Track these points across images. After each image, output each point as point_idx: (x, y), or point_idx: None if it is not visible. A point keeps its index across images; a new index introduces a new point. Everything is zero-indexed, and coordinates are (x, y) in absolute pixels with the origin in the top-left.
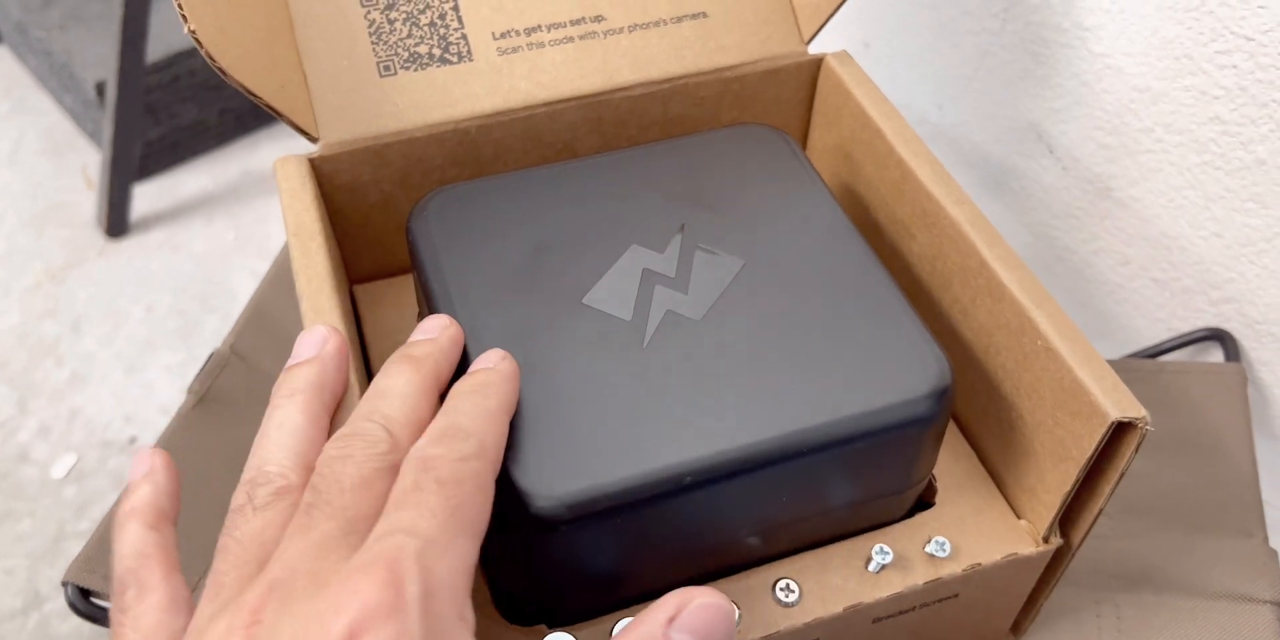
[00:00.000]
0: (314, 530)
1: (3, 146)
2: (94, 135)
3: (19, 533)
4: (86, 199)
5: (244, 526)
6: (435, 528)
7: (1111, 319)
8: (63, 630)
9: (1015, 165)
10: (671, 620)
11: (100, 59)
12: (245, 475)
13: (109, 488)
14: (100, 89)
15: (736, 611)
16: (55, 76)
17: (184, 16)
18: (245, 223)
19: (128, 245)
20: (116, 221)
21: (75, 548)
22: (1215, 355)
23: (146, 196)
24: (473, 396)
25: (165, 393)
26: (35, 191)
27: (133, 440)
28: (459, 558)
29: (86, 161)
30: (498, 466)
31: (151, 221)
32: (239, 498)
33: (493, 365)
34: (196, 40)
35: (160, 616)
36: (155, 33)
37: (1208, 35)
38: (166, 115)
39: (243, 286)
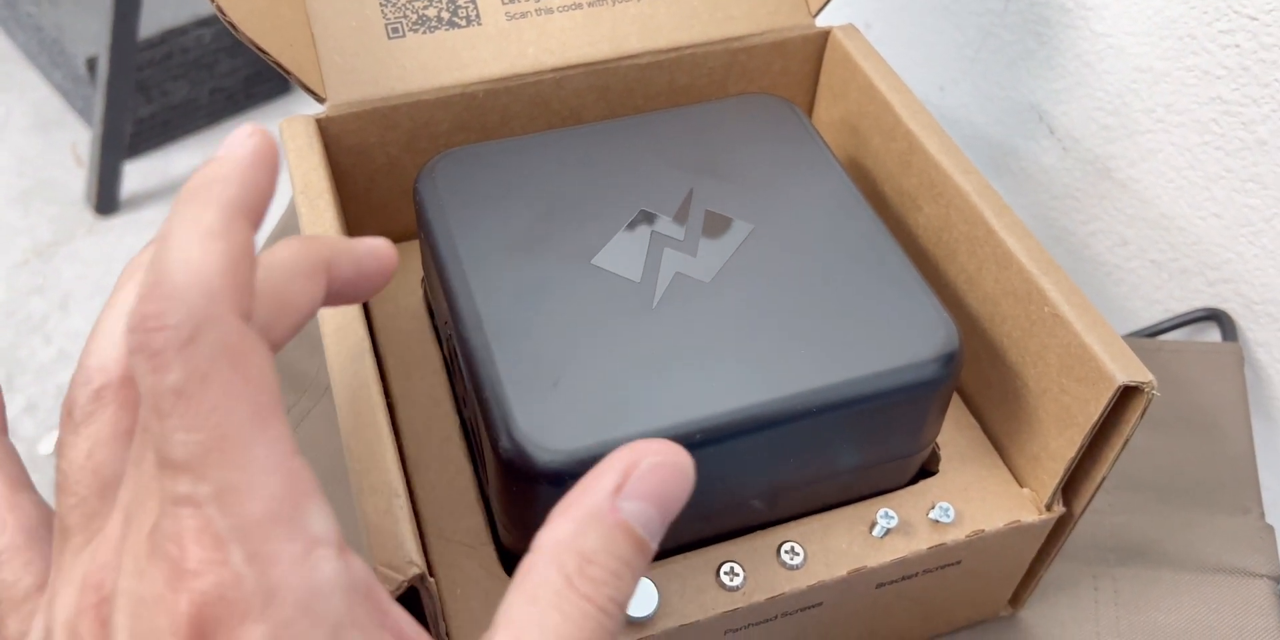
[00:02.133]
0: (145, 461)
1: None
2: (83, 112)
3: None
4: (75, 176)
5: (69, 452)
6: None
7: (1109, 300)
8: None
9: (1015, 146)
10: (619, 488)
11: (91, 34)
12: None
13: None
14: (91, 65)
15: (692, 464)
16: (45, 52)
17: None
18: None
19: (117, 223)
20: (106, 199)
21: None
22: (1212, 336)
23: (137, 174)
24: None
25: None
26: (22, 168)
27: None
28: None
29: (75, 139)
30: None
31: (142, 200)
32: (62, 409)
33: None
34: None
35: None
36: (148, 9)
37: (1211, 14)
38: (158, 93)
39: None
